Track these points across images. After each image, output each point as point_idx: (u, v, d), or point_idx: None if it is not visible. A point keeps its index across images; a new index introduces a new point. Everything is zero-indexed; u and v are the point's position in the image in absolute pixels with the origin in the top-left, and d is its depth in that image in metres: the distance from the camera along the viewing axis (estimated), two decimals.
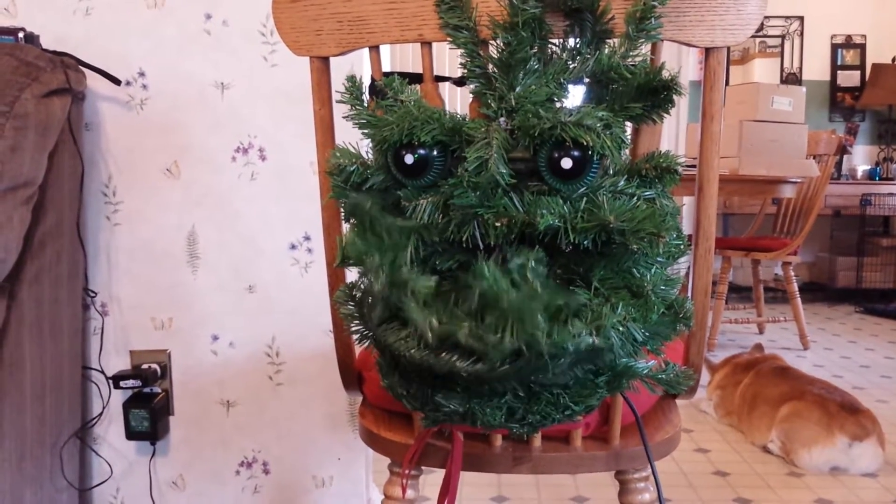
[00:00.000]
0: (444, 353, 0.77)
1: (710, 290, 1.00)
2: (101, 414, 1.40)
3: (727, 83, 4.97)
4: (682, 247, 0.85)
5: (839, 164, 5.40)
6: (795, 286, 3.60)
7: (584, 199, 0.81)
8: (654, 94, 0.86)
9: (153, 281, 1.40)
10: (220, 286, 1.40)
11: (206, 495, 1.41)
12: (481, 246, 0.81)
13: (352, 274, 0.90)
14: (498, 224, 0.80)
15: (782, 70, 5.36)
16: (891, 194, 5.09)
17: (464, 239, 0.80)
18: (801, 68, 5.37)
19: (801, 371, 2.35)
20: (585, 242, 0.80)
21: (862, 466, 1.99)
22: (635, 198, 0.84)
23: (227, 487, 1.41)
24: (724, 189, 3.30)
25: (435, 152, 0.81)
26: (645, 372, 0.86)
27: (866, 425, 2.00)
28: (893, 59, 5.28)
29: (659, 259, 0.84)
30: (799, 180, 3.47)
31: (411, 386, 0.82)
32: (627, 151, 0.95)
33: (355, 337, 0.89)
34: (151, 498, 1.40)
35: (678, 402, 2.64)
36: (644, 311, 0.81)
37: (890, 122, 5.40)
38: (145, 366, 1.40)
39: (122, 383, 1.36)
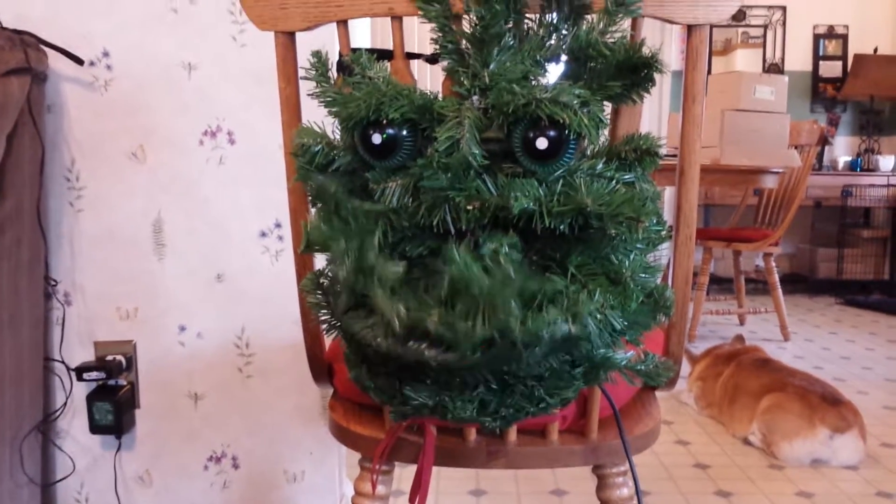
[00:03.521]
0: (412, 342, 0.73)
1: (690, 279, 0.97)
2: (63, 407, 1.35)
3: (709, 72, 4.95)
4: (662, 233, 0.82)
5: (820, 156, 5.40)
6: (776, 277, 3.59)
7: (561, 181, 0.77)
8: (634, 72, 0.82)
9: (118, 269, 1.35)
10: (188, 275, 1.35)
11: (173, 490, 1.37)
12: (453, 231, 0.77)
13: (321, 261, 0.86)
14: (470, 207, 0.76)
15: (764, 60, 5.35)
16: (872, 185, 5.10)
17: (434, 223, 0.76)
18: (783, 59, 5.36)
19: (782, 363, 2.33)
20: (562, 227, 0.76)
21: (843, 458, 1.98)
22: (614, 181, 0.80)
23: (196, 482, 1.37)
24: (705, 179, 3.28)
25: (404, 132, 0.77)
26: (623, 363, 0.83)
27: (848, 417, 1.98)
28: (875, 50, 5.28)
29: (638, 245, 0.81)
30: (781, 170, 3.46)
31: (378, 378, 0.78)
32: (606, 133, 0.92)
33: (323, 327, 0.85)
34: (116, 494, 1.36)
35: (658, 393, 2.63)
36: (622, 298, 0.78)
37: (871, 112, 5.41)
38: (110, 357, 1.35)
39: (85, 375, 1.31)
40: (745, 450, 2.12)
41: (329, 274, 0.84)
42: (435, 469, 1.97)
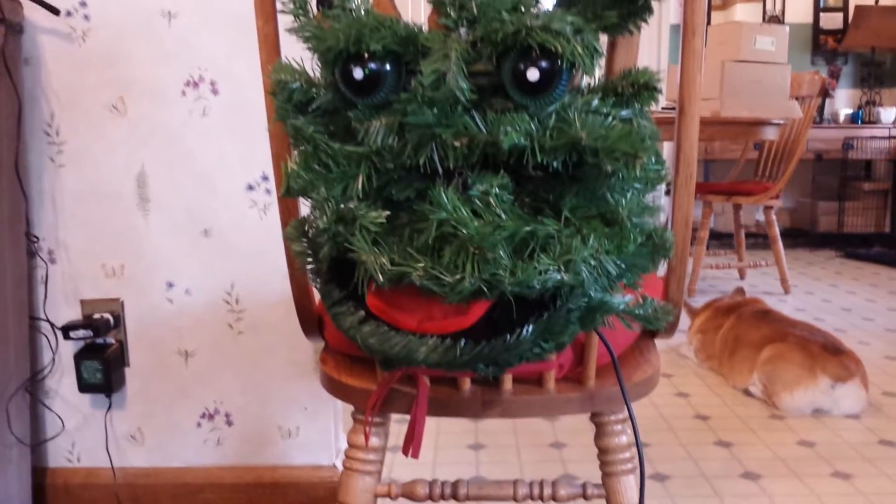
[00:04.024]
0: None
1: (691, 221, 0.93)
2: (51, 366, 1.33)
3: (708, 22, 4.86)
4: (661, 172, 0.78)
5: (821, 109, 5.34)
6: (777, 230, 3.56)
7: (554, 116, 0.73)
8: (631, 0, 0.77)
9: (102, 225, 1.32)
10: (174, 230, 1.31)
11: (166, 448, 1.35)
12: (440, 170, 0.74)
13: (308, 208, 0.82)
14: (457, 144, 0.72)
15: (764, 13, 5.26)
16: (873, 138, 5.04)
17: (421, 163, 0.72)
18: (783, 11, 5.27)
19: (782, 314, 2.31)
20: (555, 164, 0.72)
21: (845, 408, 1.96)
22: (610, 117, 0.76)
23: (189, 440, 1.35)
24: (705, 132, 3.22)
25: (387, 66, 0.73)
26: (621, 307, 0.80)
27: (849, 366, 1.96)
28: (876, 1, 5.18)
29: (636, 185, 0.77)
30: (782, 122, 3.40)
31: (366, 325, 0.75)
32: (602, 68, 0.88)
33: (310, 276, 0.82)
34: (108, 452, 1.34)
35: (657, 343, 2.60)
36: (619, 240, 0.74)
37: (873, 64, 5.33)
38: (97, 315, 1.32)
39: (72, 334, 1.28)
40: (746, 401, 2.11)
41: (313, 221, 0.81)
42: (433, 423, 1.95)
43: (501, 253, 0.66)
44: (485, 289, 0.66)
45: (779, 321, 2.19)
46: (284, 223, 0.92)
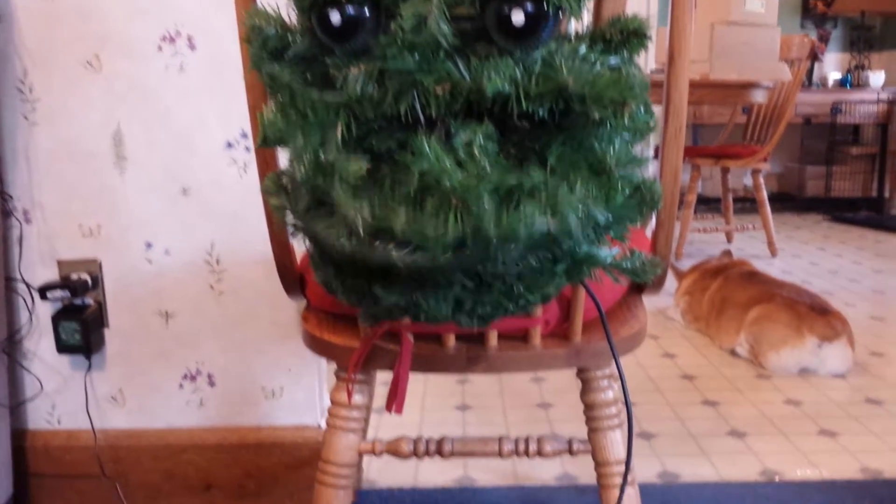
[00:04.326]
0: (378, 243, 0.68)
1: (679, 175, 0.91)
2: (27, 327, 1.30)
3: None
4: (650, 123, 0.76)
5: (810, 73, 5.31)
6: (765, 193, 3.55)
7: (540, 62, 0.70)
8: None
9: (78, 185, 1.28)
10: (152, 189, 1.28)
11: (148, 410, 1.33)
12: (422, 119, 0.71)
13: (286, 160, 0.79)
14: (440, 91, 0.69)
15: None
16: (862, 102, 5.02)
17: (402, 112, 0.70)
18: None
19: (769, 275, 2.30)
20: (540, 112, 0.70)
21: (831, 367, 1.97)
22: (598, 64, 0.74)
23: (171, 401, 1.33)
24: (693, 94, 3.20)
25: (365, 10, 0.70)
26: (608, 260, 0.78)
27: (836, 326, 1.97)
28: None
29: (624, 134, 0.75)
30: (771, 85, 3.38)
31: (346, 278, 0.73)
32: (590, 13, 0.85)
33: (289, 230, 0.80)
34: (88, 414, 1.32)
35: (645, 303, 2.59)
36: (607, 190, 0.72)
37: (862, 28, 5.29)
38: (74, 276, 1.29)
39: (49, 294, 1.25)
40: (733, 361, 2.11)
41: (291, 174, 0.78)
42: (419, 386, 1.94)
43: (486, 205, 0.63)
44: (469, 237, 0.64)
45: (766, 282, 2.19)
46: (262, 175, 0.89)
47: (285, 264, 0.99)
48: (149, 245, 1.30)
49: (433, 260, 0.66)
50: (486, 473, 1.49)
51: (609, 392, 0.96)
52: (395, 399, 0.88)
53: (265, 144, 0.74)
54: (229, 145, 1.27)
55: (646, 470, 1.48)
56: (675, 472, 1.48)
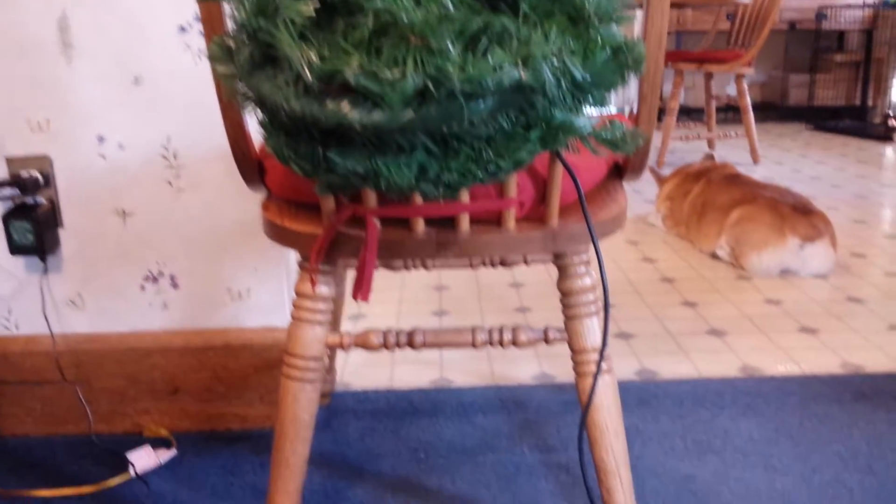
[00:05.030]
0: (330, 101, 0.61)
1: (664, 39, 0.84)
2: None
3: None
4: None
5: None
6: (748, 100, 3.48)
7: None
8: None
9: (23, 76, 1.19)
10: (101, 79, 1.19)
11: (109, 313, 1.28)
12: None
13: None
14: None
15: None
16: (848, 7, 4.91)
17: None
18: None
19: (752, 178, 2.26)
20: None
21: (813, 268, 1.95)
22: None
23: (133, 304, 1.28)
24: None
25: None
26: (586, 130, 0.72)
27: (819, 226, 1.93)
28: None
29: None
30: None
31: (299, 145, 0.66)
32: None
33: (237, 98, 0.72)
34: (46, 318, 1.26)
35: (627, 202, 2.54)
36: (585, 44, 0.65)
37: None
38: (24, 174, 1.21)
39: None
40: (713, 264, 2.08)
41: (235, 32, 0.71)
42: (395, 293, 1.90)
43: (449, 44, 0.57)
44: (430, 86, 0.57)
45: (748, 184, 2.14)
46: (208, 37, 0.81)
47: (241, 149, 0.92)
48: (101, 139, 1.22)
49: (393, 119, 0.59)
50: (463, 375, 1.46)
51: (587, 279, 0.91)
52: (362, 286, 0.83)
53: None
54: (182, 30, 1.18)
55: (624, 369, 1.46)
56: (654, 369, 1.45)
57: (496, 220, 0.86)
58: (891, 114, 4.81)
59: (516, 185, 0.83)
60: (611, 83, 0.70)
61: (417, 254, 0.85)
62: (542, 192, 0.86)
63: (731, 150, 3.88)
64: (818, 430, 1.22)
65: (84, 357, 1.27)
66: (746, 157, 3.60)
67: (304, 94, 0.61)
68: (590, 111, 0.71)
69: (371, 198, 0.82)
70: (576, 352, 0.92)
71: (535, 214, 0.87)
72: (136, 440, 1.27)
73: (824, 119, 4.95)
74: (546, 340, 0.93)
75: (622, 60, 0.70)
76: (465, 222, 0.84)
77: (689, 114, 5.08)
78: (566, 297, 0.91)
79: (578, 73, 0.64)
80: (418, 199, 0.81)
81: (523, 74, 0.60)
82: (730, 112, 5.09)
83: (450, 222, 0.85)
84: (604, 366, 0.91)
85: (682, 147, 3.99)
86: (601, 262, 0.83)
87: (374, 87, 0.58)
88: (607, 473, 0.93)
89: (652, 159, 3.61)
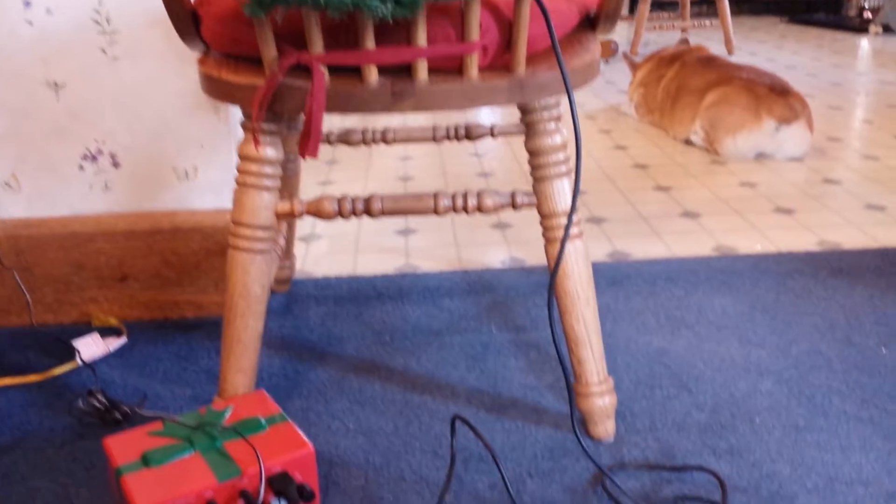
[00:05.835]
0: None
1: None
2: None
3: None
4: None
5: None
6: None
7: None
8: None
9: None
10: None
11: (48, 195, 1.19)
12: None
13: None
14: None
15: None
16: None
17: None
18: None
19: (728, 60, 2.17)
20: None
21: (789, 150, 1.89)
22: None
23: (72, 185, 1.19)
24: None
25: None
26: None
27: (795, 107, 1.87)
28: None
29: None
30: None
31: None
32: None
33: None
34: None
35: (594, 99, 2.48)
36: None
37: None
38: None
39: None
40: (687, 150, 2.02)
41: None
42: (362, 172, 1.82)
43: None
44: None
45: (724, 66, 2.06)
46: None
47: None
48: (27, 3, 1.11)
49: None
50: (430, 261, 1.40)
51: (557, 136, 0.84)
52: (309, 140, 0.75)
53: None
54: None
55: (595, 251, 1.41)
56: (626, 251, 1.41)
57: (458, 69, 0.78)
58: (865, 6, 4.70)
59: (479, 28, 0.74)
60: None
61: (371, 106, 0.77)
62: (508, 38, 0.78)
63: (706, 41, 3.78)
64: (795, 304, 1.19)
65: (23, 242, 1.18)
66: (721, 49, 3.50)
67: None
68: None
69: (317, 42, 0.73)
70: (545, 216, 0.86)
71: (501, 62, 0.79)
72: (84, 330, 1.20)
73: (800, 12, 4.83)
74: (513, 205, 0.86)
75: None
76: (422, 70, 0.76)
77: (663, 7, 4.93)
78: (535, 156, 0.85)
79: None
80: (370, 43, 0.73)
81: None
82: (703, 5, 4.95)
83: (406, 70, 0.77)
84: (574, 230, 0.85)
85: (655, 39, 3.88)
86: (574, 114, 0.76)
87: None
88: (578, 343, 0.88)
89: (625, 47, 3.51)
